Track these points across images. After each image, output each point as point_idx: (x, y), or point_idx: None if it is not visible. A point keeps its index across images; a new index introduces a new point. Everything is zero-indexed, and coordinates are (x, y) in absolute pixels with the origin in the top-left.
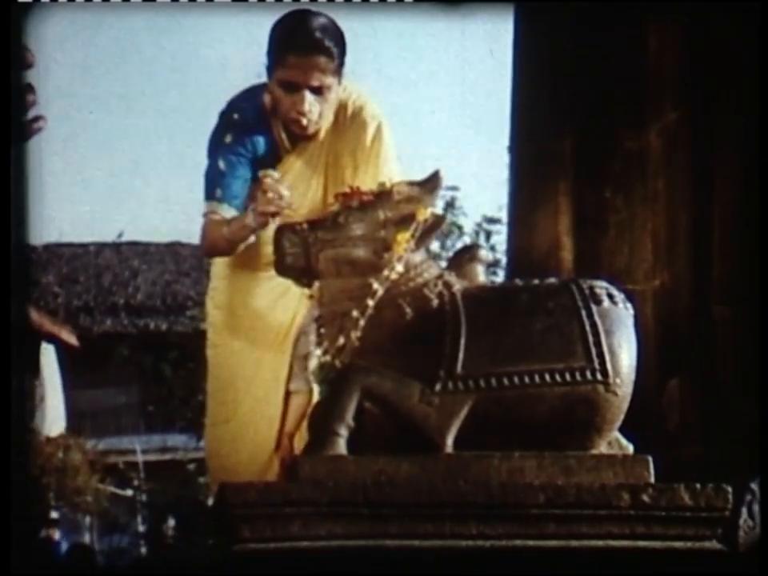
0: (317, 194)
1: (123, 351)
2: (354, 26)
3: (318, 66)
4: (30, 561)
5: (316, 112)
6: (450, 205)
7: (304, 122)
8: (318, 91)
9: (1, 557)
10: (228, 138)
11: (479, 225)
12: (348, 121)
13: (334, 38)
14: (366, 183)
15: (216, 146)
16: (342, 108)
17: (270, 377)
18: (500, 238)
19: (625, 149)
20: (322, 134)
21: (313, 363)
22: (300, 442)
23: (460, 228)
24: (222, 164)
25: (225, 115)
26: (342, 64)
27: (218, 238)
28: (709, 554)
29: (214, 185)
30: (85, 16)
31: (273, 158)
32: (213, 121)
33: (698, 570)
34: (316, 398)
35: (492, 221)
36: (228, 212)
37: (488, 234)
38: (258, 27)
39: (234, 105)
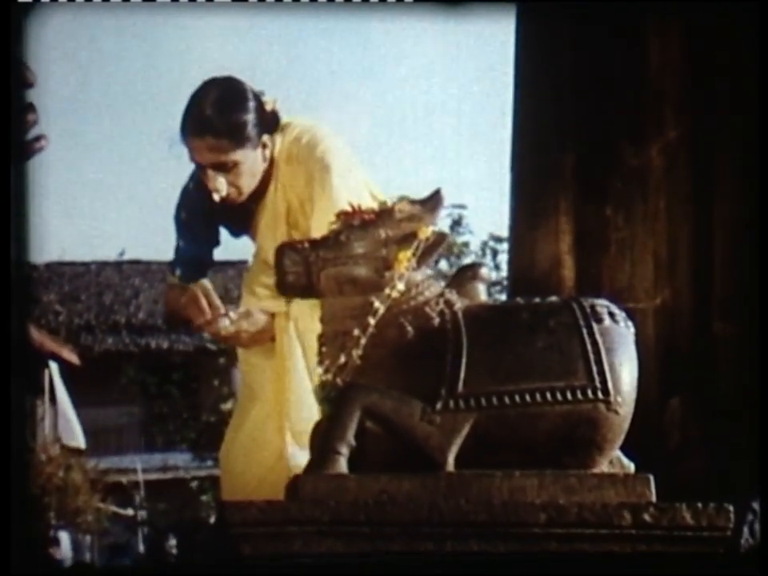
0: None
1: (129, 371)
2: (354, 26)
3: (210, 146)
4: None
5: (224, 188)
6: (456, 223)
7: (217, 197)
8: (223, 168)
9: (1, 554)
10: (183, 215)
11: (485, 243)
12: (297, 165)
13: (229, 112)
14: (321, 227)
15: (176, 221)
16: (290, 155)
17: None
18: (506, 256)
19: (626, 166)
20: (271, 187)
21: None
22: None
23: (466, 246)
24: (180, 242)
25: (183, 189)
26: (250, 134)
27: (178, 309)
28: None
29: (173, 263)
30: (85, 16)
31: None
32: None
33: (698, 570)
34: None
35: (498, 239)
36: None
37: (494, 253)
38: (259, 28)
39: (191, 176)
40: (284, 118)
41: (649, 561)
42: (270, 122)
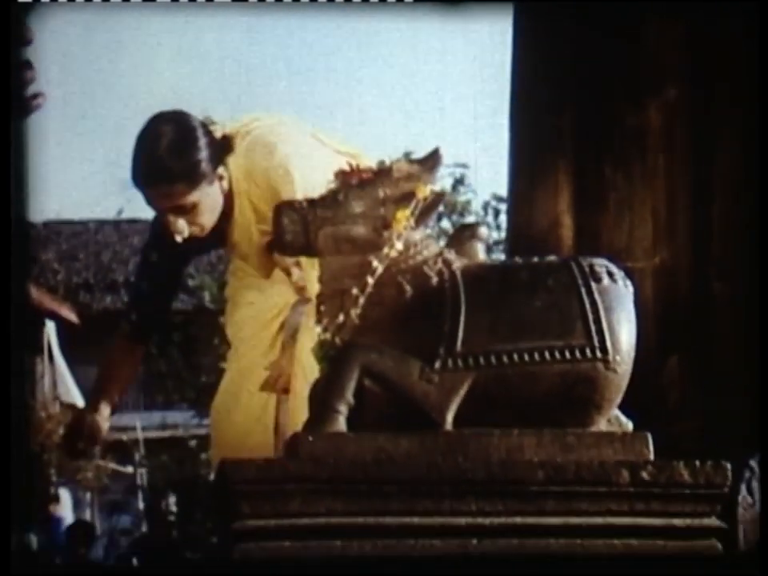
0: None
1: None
2: (354, 27)
3: (165, 194)
4: (29, 549)
5: (186, 229)
6: (459, 182)
7: (179, 239)
8: (182, 211)
9: (1, 554)
10: (153, 256)
11: (487, 203)
12: (257, 177)
13: (180, 156)
14: None
15: (143, 260)
16: (247, 170)
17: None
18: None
19: (625, 125)
20: (236, 206)
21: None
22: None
23: (468, 205)
24: (143, 284)
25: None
26: (205, 172)
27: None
28: (708, 531)
29: (129, 307)
30: (85, 16)
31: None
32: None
33: (698, 570)
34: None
35: (501, 199)
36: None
37: (496, 213)
38: (258, 27)
39: (154, 219)
40: (228, 127)
41: (646, 518)
42: (223, 150)
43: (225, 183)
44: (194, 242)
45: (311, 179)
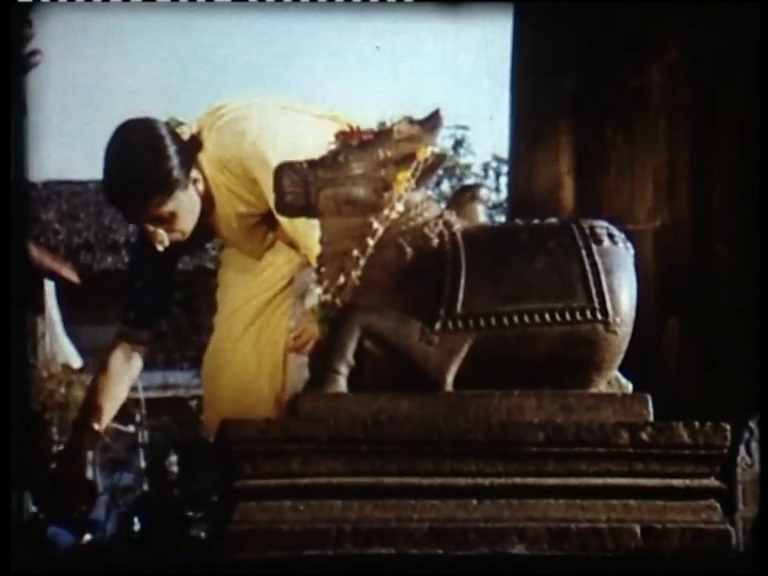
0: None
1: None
2: (353, 26)
3: (141, 208)
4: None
5: (166, 238)
6: (459, 144)
7: (161, 248)
8: (159, 221)
9: (1, 554)
10: (146, 252)
11: (487, 164)
12: (231, 165)
13: (151, 169)
14: None
15: (133, 258)
16: (220, 161)
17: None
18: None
19: (626, 87)
20: (216, 199)
21: (307, 304)
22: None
23: (468, 168)
24: (138, 282)
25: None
26: (179, 179)
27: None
28: (707, 491)
29: (127, 306)
30: (85, 16)
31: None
32: None
33: (698, 569)
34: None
35: (501, 160)
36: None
37: (497, 174)
38: (258, 27)
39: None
40: (195, 122)
41: (645, 479)
42: (193, 152)
43: (200, 185)
44: (182, 242)
45: (288, 151)
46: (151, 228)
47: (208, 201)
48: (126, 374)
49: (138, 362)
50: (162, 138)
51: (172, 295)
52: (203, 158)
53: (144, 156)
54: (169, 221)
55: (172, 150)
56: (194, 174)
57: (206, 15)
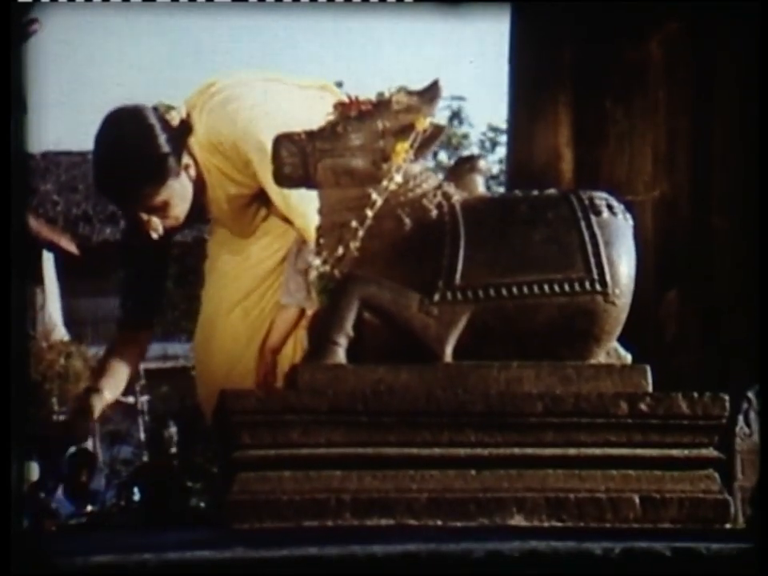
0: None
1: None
2: (353, 26)
3: (134, 199)
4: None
5: (160, 225)
6: (456, 115)
7: (155, 236)
8: (153, 210)
9: (1, 554)
10: (135, 243)
11: (484, 134)
12: (221, 146)
13: (142, 161)
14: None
15: (123, 249)
16: (210, 142)
17: (255, 288)
18: (506, 149)
19: (625, 59)
20: (208, 180)
21: (311, 277)
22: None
23: (466, 138)
24: (131, 275)
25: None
26: (171, 167)
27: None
28: (706, 461)
29: (125, 298)
30: (85, 16)
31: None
32: None
33: (697, 539)
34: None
35: (499, 131)
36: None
37: (494, 145)
38: (258, 27)
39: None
40: (185, 104)
41: (644, 449)
42: (183, 137)
43: (191, 170)
44: (176, 226)
45: (283, 124)
46: (145, 216)
47: (200, 184)
48: (129, 363)
49: (141, 349)
50: (152, 128)
51: (167, 278)
52: (194, 141)
53: (134, 147)
54: (162, 209)
55: (162, 138)
56: (186, 160)
57: (206, 15)
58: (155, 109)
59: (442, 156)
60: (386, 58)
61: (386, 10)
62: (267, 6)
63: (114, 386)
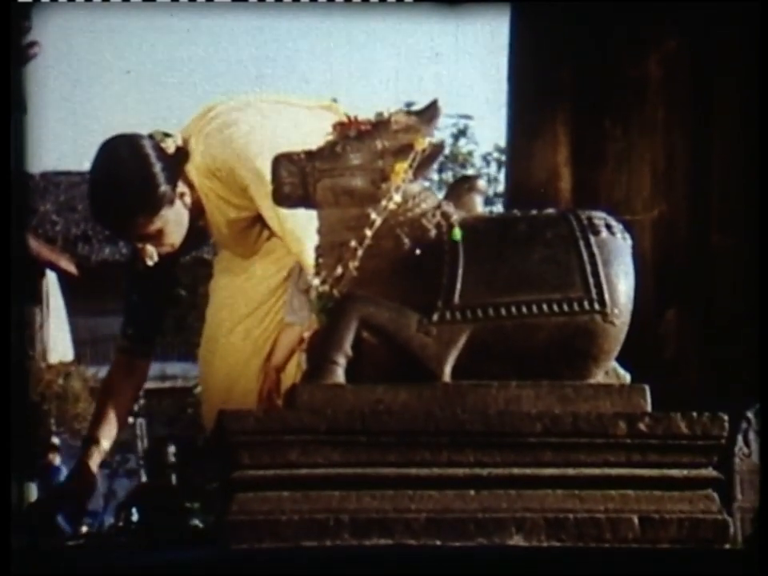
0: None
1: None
2: (353, 26)
3: (129, 229)
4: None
5: (155, 253)
6: (462, 133)
7: (151, 263)
8: (148, 238)
9: (1, 554)
10: (139, 268)
11: (489, 154)
12: (219, 172)
13: (137, 190)
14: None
15: (129, 272)
16: (207, 169)
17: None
18: None
19: (624, 77)
20: (206, 207)
21: (312, 295)
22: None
23: (470, 156)
24: (134, 296)
25: None
26: (166, 195)
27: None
28: (705, 482)
29: (126, 322)
30: (85, 16)
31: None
32: None
33: (696, 560)
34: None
35: (503, 150)
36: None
37: (499, 164)
38: (258, 27)
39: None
40: (182, 131)
41: (643, 469)
42: (179, 166)
43: (187, 198)
44: (174, 252)
45: (279, 148)
46: (140, 245)
47: (198, 208)
48: (129, 388)
49: (140, 375)
50: (147, 157)
51: (169, 303)
52: (191, 167)
53: (128, 176)
54: (156, 237)
55: (157, 167)
56: (181, 188)
57: (206, 15)
58: (151, 137)
59: (448, 175)
60: (384, 60)
61: (386, 10)
62: (267, 7)
63: (110, 434)
